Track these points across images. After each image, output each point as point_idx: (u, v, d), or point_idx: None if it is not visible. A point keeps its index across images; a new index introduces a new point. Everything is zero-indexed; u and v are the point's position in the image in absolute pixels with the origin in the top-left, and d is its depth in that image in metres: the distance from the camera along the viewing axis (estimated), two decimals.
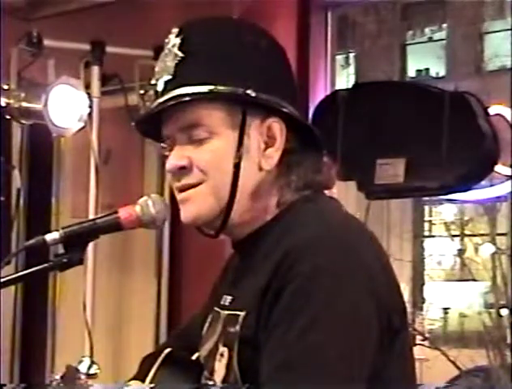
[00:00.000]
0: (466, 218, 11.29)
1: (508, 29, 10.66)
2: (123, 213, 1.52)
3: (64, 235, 1.51)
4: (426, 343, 8.25)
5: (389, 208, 11.23)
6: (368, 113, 3.48)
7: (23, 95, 3.44)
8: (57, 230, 1.51)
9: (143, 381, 1.63)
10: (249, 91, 1.48)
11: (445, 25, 13.77)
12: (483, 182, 3.72)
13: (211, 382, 1.52)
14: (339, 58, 11.79)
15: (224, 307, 1.54)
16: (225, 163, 1.49)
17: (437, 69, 14.10)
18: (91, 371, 3.48)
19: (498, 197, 4.76)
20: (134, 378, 1.67)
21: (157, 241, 4.01)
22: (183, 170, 1.50)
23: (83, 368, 3.47)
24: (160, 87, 1.52)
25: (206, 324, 1.60)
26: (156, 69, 1.54)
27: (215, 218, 1.51)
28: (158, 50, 3.80)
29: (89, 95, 3.57)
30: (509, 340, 8.03)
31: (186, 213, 1.52)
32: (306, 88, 3.74)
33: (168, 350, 1.68)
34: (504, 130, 3.63)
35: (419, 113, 3.39)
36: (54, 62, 3.52)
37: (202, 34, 1.53)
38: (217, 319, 1.54)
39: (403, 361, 1.48)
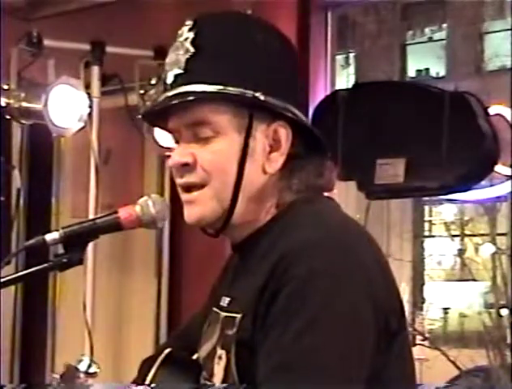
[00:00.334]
0: (466, 218, 11.29)
1: (508, 29, 10.65)
2: (123, 213, 1.52)
3: (64, 235, 1.51)
4: (426, 343, 8.25)
5: (389, 208, 11.23)
6: (368, 113, 3.48)
7: (23, 95, 3.44)
8: (57, 230, 1.51)
9: (143, 381, 1.63)
10: (257, 95, 1.48)
11: (445, 25, 13.77)
12: (483, 182, 3.72)
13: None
14: (339, 58, 11.78)
15: (222, 308, 1.54)
16: (229, 164, 1.48)
17: (437, 69, 14.10)
18: (91, 370, 3.48)
19: (498, 197, 4.76)
20: (134, 382, 1.66)
21: (157, 241, 4.01)
22: (186, 167, 1.50)
23: (82, 367, 3.47)
24: (169, 80, 1.51)
25: (206, 324, 1.60)
26: (167, 60, 1.53)
27: (218, 219, 1.51)
28: (158, 50, 3.84)
29: (89, 95, 3.57)
30: (509, 340, 8.03)
31: (190, 214, 1.52)
32: (306, 88, 3.73)
33: (167, 350, 1.68)
34: (504, 130, 3.63)
35: (419, 113, 3.39)
36: (54, 62, 3.52)
37: (216, 30, 1.52)
38: (216, 320, 1.54)
39: (402, 362, 1.48)
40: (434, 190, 3.43)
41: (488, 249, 9.85)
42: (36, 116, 3.44)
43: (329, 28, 4.00)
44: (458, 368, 7.47)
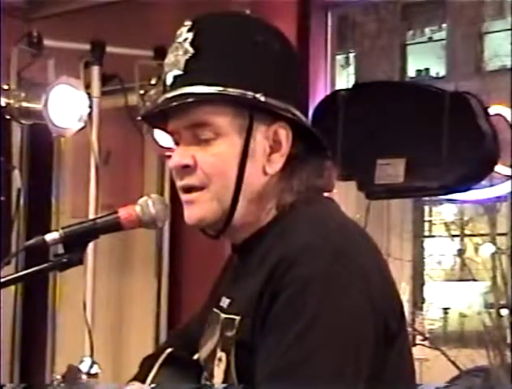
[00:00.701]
0: (466, 218, 11.28)
1: (508, 29, 10.65)
2: (123, 213, 1.53)
3: (64, 235, 1.51)
4: (426, 343, 8.24)
5: (389, 208, 11.22)
6: (368, 113, 3.47)
7: (23, 95, 3.44)
8: (57, 230, 1.51)
9: (144, 381, 1.63)
10: (258, 96, 1.47)
11: (445, 25, 13.76)
12: (483, 182, 3.72)
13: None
14: (339, 58, 11.76)
15: (222, 309, 1.54)
16: (229, 166, 1.48)
17: (437, 69, 14.09)
18: (93, 371, 3.47)
19: (498, 197, 4.75)
20: (135, 379, 1.67)
21: (157, 241, 4.01)
22: (186, 169, 1.50)
23: (84, 368, 3.46)
24: (168, 81, 1.51)
25: (206, 324, 1.60)
26: (166, 61, 1.52)
27: (218, 220, 1.51)
28: (158, 50, 3.84)
29: (89, 95, 3.57)
30: (509, 340, 8.03)
31: (190, 215, 1.52)
32: (306, 88, 3.73)
33: (169, 350, 1.68)
34: (504, 130, 3.63)
35: (419, 113, 3.39)
36: (54, 62, 3.52)
37: (215, 31, 1.51)
38: (216, 321, 1.54)
39: (401, 363, 1.48)
40: (434, 190, 3.43)
41: (488, 249, 9.84)
42: (36, 116, 3.44)
43: (329, 28, 4.00)
44: (458, 368, 7.47)
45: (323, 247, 1.42)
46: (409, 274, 11.51)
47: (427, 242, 13.17)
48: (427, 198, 10.28)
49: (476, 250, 10.98)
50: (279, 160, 1.51)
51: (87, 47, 3.63)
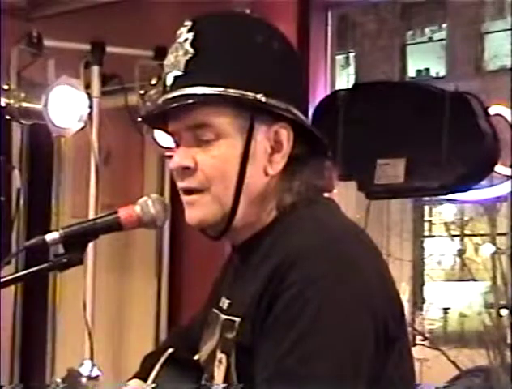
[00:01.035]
0: (466, 218, 11.27)
1: (508, 29, 10.65)
2: (123, 213, 1.52)
3: (64, 235, 1.51)
4: (426, 343, 8.24)
5: (389, 208, 11.22)
6: (368, 113, 3.47)
7: (23, 95, 3.44)
8: (57, 230, 1.51)
9: (145, 380, 1.63)
10: (259, 97, 1.47)
11: (445, 25, 13.76)
12: (483, 182, 3.72)
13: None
14: (339, 58, 11.77)
15: (222, 310, 1.54)
16: (230, 168, 1.48)
17: (437, 69, 14.09)
18: (93, 374, 3.46)
19: (498, 197, 4.75)
20: (136, 376, 1.67)
21: (157, 241, 4.01)
22: (187, 170, 1.49)
23: (84, 371, 3.46)
24: (168, 82, 1.50)
25: (206, 325, 1.60)
26: (166, 61, 1.52)
27: (219, 222, 1.51)
28: (158, 50, 3.84)
29: (89, 95, 3.57)
30: (509, 340, 8.01)
31: (191, 216, 1.51)
32: (306, 88, 3.74)
33: (170, 350, 1.68)
34: (504, 130, 3.63)
35: (419, 113, 3.39)
36: (54, 62, 3.52)
37: (215, 31, 1.51)
38: (216, 322, 1.54)
39: (401, 364, 1.47)
40: (434, 190, 3.43)
41: (488, 249, 9.83)
42: (36, 116, 3.43)
43: (329, 28, 4.00)
44: (458, 368, 7.46)
45: (324, 250, 1.41)
46: (409, 274, 11.51)
47: (427, 242, 13.17)
48: (427, 198, 10.29)
49: (476, 250, 10.97)
50: (280, 161, 1.50)
51: (87, 47, 3.62)
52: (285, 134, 1.50)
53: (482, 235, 10.65)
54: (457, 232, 11.57)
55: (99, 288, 3.65)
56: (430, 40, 14.22)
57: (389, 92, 3.59)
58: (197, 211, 1.50)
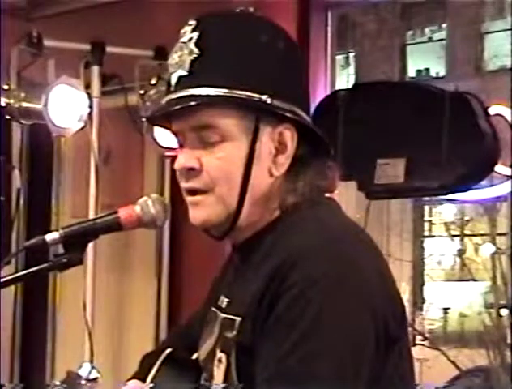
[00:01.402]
0: (466, 218, 11.27)
1: (508, 29, 10.65)
2: (123, 213, 1.52)
3: (64, 235, 1.51)
4: (426, 343, 8.24)
5: (389, 208, 11.22)
6: (368, 113, 3.47)
7: (23, 95, 3.44)
8: (57, 230, 1.51)
9: (144, 380, 1.63)
10: (264, 98, 1.46)
11: (445, 25, 13.76)
12: (483, 182, 3.72)
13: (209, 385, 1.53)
14: (339, 58, 11.77)
15: (220, 309, 1.54)
16: (235, 169, 1.47)
17: (437, 69, 14.09)
18: (92, 376, 3.46)
19: (498, 197, 4.75)
20: (134, 377, 1.67)
21: (157, 241, 4.01)
22: (192, 172, 1.49)
23: (83, 373, 3.45)
24: (173, 81, 1.49)
25: (205, 323, 1.60)
26: (170, 61, 1.51)
27: (223, 222, 1.50)
28: (158, 50, 3.83)
29: (89, 95, 3.57)
30: (509, 340, 8.01)
31: (195, 217, 1.51)
32: (308, 88, 3.74)
33: (168, 350, 1.68)
34: (504, 130, 3.63)
35: (419, 113, 3.39)
36: (54, 62, 3.52)
37: (220, 31, 1.50)
38: (214, 320, 1.54)
39: (401, 365, 1.47)
40: (434, 190, 3.43)
41: (488, 249, 9.83)
42: (36, 116, 3.43)
43: (329, 28, 4.00)
44: (458, 368, 7.47)
45: (325, 250, 1.41)
46: (409, 274, 11.51)
47: (427, 242, 13.17)
48: (427, 198, 10.29)
49: (476, 250, 10.97)
50: (284, 162, 1.50)
51: (87, 47, 3.62)
52: (289, 136, 1.50)
53: (482, 235, 10.65)
54: (457, 232, 11.57)
55: (99, 288, 3.65)
56: (430, 40, 14.22)
57: (389, 92, 3.59)
58: (201, 211, 1.50)
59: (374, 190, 3.47)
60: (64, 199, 4.33)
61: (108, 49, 3.64)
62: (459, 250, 11.62)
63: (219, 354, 1.48)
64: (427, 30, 14.14)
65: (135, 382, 1.65)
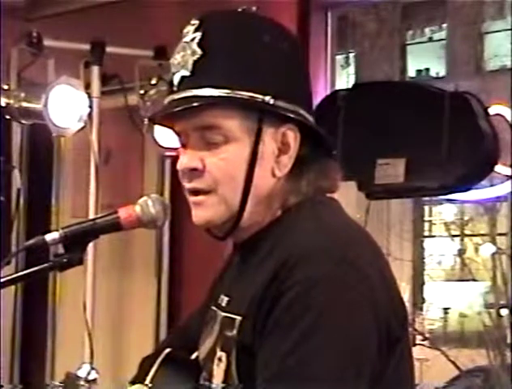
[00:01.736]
0: (466, 218, 11.27)
1: (508, 29, 10.65)
2: (123, 213, 1.52)
3: (64, 235, 1.50)
4: (426, 343, 8.25)
5: (389, 208, 11.22)
6: (368, 113, 3.47)
7: (23, 95, 3.44)
8: (57, 230, 1.51)
9: (143, 382, 1.63)
10: (267, 99, 1.46)
11: (445, 25, 13.76)
12: (483, 182, 3.72)
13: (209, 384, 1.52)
14: (339, 58, 11.78)
15: (220, 307, 1.53)
16: (238, 170, 1.47)
17: (437, 69, 14.10)
18: (91, 377, 3.45)
19: (498, 197, 4.76)
20: (134, 380, 1.66)
21: (157, 241, 4.01)
22: (195, 172, 1.49)
23: (82, 374, 3.45)
24: (176, 81, 1.49)
25: (204, 322, 1.60)
26: (173, 61, 1.50)
27: (226, 222, 1.50)
28: (158, 50, 3.83)
29: (89, 95, 3.57)
30: (509, 340, 8.03)
31: (198, 216, 1.51)
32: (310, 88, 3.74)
33: (167, 350, 1.68)
34: (504, 130, 3.64)
35: (419, 113, 3.39)
36: (54, 62, 3.52)
37: (223, 31, 1.49)
38: (214, 319, 1.54)
39: (401, 365, 1.47)
40: (434, 190, 3.43)
41: (488, 249, 9.83)
42: (36, 116, 3.43)
43: (329, 28, 4.00)
44: (458, 368, 7.47)
45: (327, 250, 1.41)
46: (409, 274, 11.51)
47: (427, 242, 13.17)
48: (427, 198, 10.29)
49: (476, 250, 10.97)
50: (287, 162, 1.50)
51: (87, 47, 3.62)
52: (292, 136, 1.50)
53: (482, 235, 10.66)
54: (457, 232, 11.57)
55: (99, 288, 3.65)
56: (430, 40, 14.22)
57: (389, 92, 3.59)
58: (203, 211, 1.50)
59: (374, 190, 3.47)
60: (64, 199, 4.33)
61: (108, 48, 3.64)
62: (459, 250, 11.62)
63: (219, 353, 1.48)
64: (427, 30, 14.14)
65: (140, 387, 1.65)
